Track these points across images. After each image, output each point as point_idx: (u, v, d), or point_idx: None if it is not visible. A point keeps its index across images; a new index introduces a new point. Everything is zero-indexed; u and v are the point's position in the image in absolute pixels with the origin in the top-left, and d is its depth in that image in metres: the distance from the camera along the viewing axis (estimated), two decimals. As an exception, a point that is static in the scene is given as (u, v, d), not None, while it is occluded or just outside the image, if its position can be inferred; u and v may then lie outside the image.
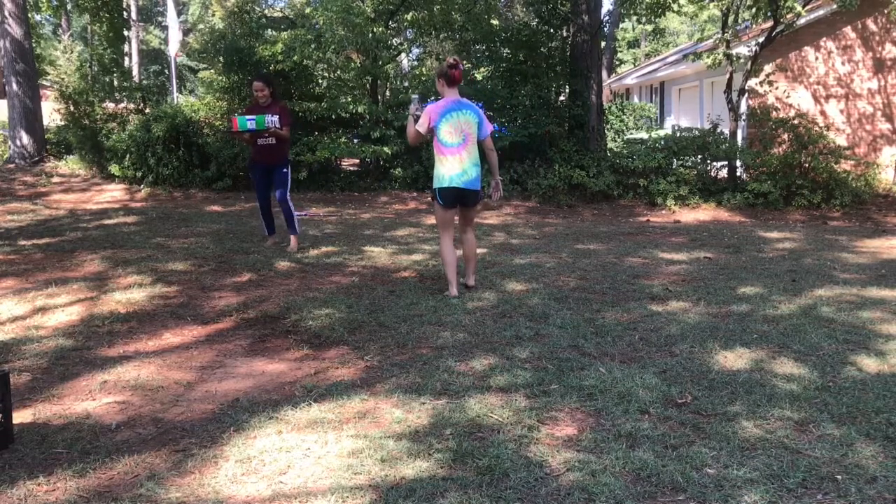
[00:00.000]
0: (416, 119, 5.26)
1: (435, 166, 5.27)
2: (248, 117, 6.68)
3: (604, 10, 15.06)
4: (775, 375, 3.78)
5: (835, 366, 3.93)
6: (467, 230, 5.54)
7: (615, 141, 16.16)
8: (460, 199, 5.30)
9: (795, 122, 11.75)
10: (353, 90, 13.64)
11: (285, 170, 7.01)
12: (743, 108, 12.77)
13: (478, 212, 5.45)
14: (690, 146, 12.06)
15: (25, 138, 14.27)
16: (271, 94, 6.98)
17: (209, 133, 13.04)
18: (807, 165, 11.52)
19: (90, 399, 3.50)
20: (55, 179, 13.05)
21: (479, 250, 7.45)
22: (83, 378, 3.77)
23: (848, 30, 13.74)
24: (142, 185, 12.46)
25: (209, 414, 3.31)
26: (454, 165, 5.18)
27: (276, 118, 6.78)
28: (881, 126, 13.96)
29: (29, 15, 15.48)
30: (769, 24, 12.36)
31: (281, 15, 16.33)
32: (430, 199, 5.24)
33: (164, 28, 37.58)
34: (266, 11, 16.58)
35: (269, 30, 14.39)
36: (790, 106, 13.15)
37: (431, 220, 10.06)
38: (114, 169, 12.78)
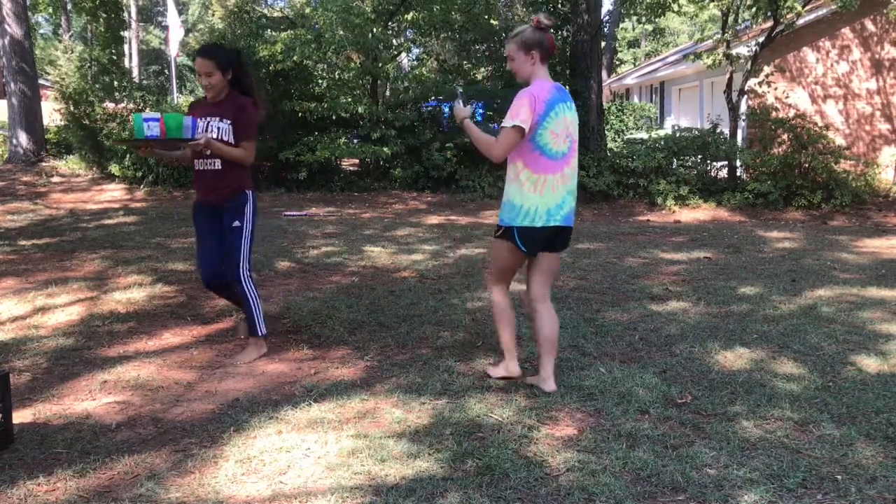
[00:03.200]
0: (476, 118, 3.62)
1: (515, 189, 3.38)
2: (148, 116, 3.74)
3: (604, 10, 15.07)
4: (775, 375, 3.78)
5: (835, 366, 3.93)
6: (546, 294, 3.60)
7: (615, 141, 16.19)
8: (550, 244, 3.49)
9: (795, 122, 11.75)
10: (353, 90, 13.64)
11: (237, 222, 3.97)
12: (743, 108, 12.77)
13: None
14: (690, 146, 12.07)
15: (25, 138, 14.27)
16: (231, 81, 3.99)
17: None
18: (807, 165, 11.52)
19: (90, 399, 3.50)
20: (55, 179, 13.05)
21: (477, 250, 7.48)
22: (83, 378, 3.76)
23: (847, 30, 13.74)
24: (142, 185, 12.46)
25: (209, 414, 3.31)
26: (554, 190, 3.36)
27: (223, 124, 3.90)
28: (880, 126, 13.96)
29: (28, 14, 15.49)
30: (769, 24, 12.36)
31: (281, 15, 16.33)
32: (497, 234, 3.50)
33: (165, 28, 37.60)
34: (266, 11, 16.60)
35: (269, 30, 14.39)
36: (789, 106, 13.15)
37: (432, 220, 10.07)
38: (114, 169, 12.79)
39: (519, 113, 3.25)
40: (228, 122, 3.91)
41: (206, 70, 3.90)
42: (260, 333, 4.08)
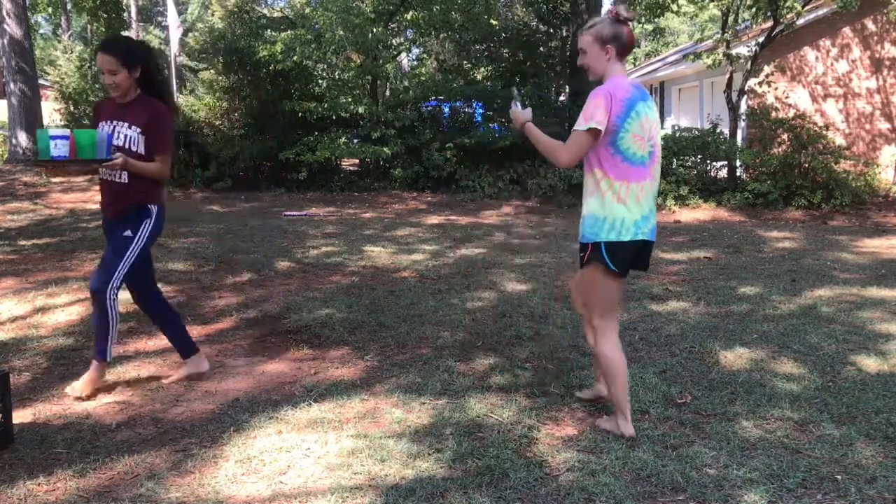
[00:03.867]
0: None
1: (597, 200, 3.00)
2: (55, 133, 3.28)
3: (604, 11, 15.07)
4: (775, 375, 3.78)
5: (835, 366, 3.93)
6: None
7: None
8: (639, 260, 3.12)
9: (795, 121, 11.76)
10: (353, 90, 13.65)
11: (129, 232, 3.46)
12: (743, 107, 12.77)
13: None
14: (690, 146, 12.07)
15: (25, 138, 14.27)
16: (140, 80, 3.46)
17: (209, 133, 13.06)
18: (806, 165, 11.52)
19: (90, 399, 3.50)
20: (55, 179, 13.04)
21: (477, 250, 7.48)
22: (83, 378, 3.76)
23: (847, 30, 13.75)
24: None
25: (209, 414, 3.31)
26: (638, 199, 2.99)
27: (132, 132, 3.42)
28: (880, 125, 13.96)
29: (28, 14, 15.49)
30: (769, 24, 12.36)
31: (281, 15, 16.34)
32: (585, 260, 3.06)
33: (165, 28, 37.62)
34: (266, 11, 16.61)
35: (269, 30, 14.40)
36: (789, 106, 13.15)
37: (432, 220, 10.07)
38: (114, 169, 12.79)
39: (594, 114, 2.89)
40: (138, 129, 3.41)
41: (109, 67, 3.38)
42: (108, 357, 3.52)
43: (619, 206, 2.96)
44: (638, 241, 3.00)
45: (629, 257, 3.01)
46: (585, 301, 3.15)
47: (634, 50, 45.34)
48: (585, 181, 3.06)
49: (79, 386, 3.50)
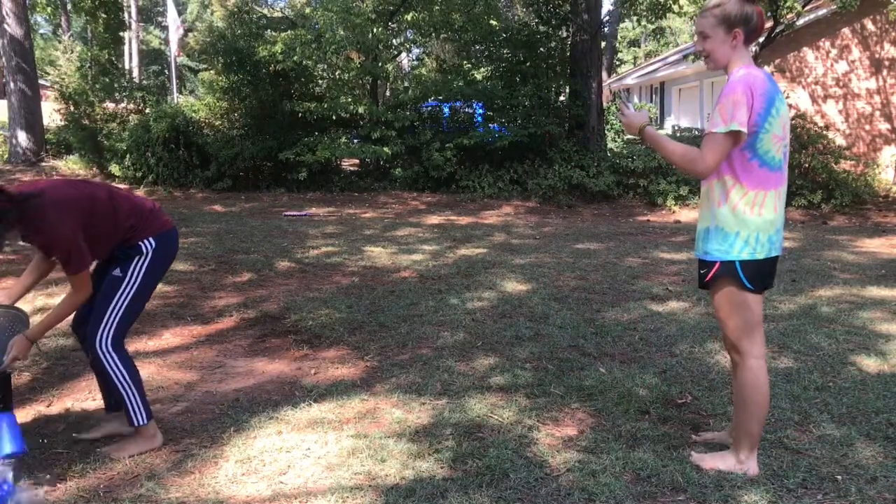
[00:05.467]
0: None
1: (726, 212, 2.63)
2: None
3: (604, 11, 15.08)
4: (775, 375, 3.77)
5: (835, 366, 3.93)
6: None
7: (615, 141, 16.20)
8: (771, 278, 2.75)
9: (794, 122, 11.76)
10: (353, 90, 13.64)
11: (119, 271, 2.87)
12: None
13: None
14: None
15: (25, 138, 14.28)
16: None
17: (209, 133, 13.07)
18: (806, 165, 11.53)
19: (90, 399, 3.50)
20: (55, 179, 13.05)
21: (477, 250, 7.47)
22: (83, 378, 3.76)
23: (846, 30, 13.75)
24: (142, 185, 12.46)
25: (209, 414, 3.31)
26: (775, 209, 2.66)
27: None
28: (880, 126, 13.96)
29: (28, 14, 15.49)
30: (769, 24, 12.37)
31: (281, 15, 16.34)
32: (712, 273, 2.71)
33: (165, 28, 37.64)
34: (266, 11, 16.61)
35: (269, 30, 14.40)
36: (790, 106, 13.16)
37: (432, 220, 10.07)
38: (114, 169, 12.80)
39: (734, 113, 2.48)
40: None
41: None
42: (138, 422, 2.88)
43: (753, 218, 2.60)
44: (772, 257, 2.66)
45: (766, 275, 2.67)
46: (728, 328, 2.71)
47: (635, 49, 44.75)
48: (711, 189, 2.66)
49: (119, 452, 2.89)
